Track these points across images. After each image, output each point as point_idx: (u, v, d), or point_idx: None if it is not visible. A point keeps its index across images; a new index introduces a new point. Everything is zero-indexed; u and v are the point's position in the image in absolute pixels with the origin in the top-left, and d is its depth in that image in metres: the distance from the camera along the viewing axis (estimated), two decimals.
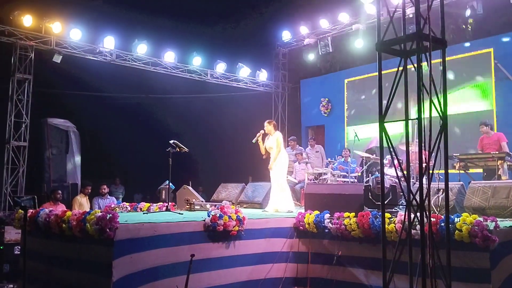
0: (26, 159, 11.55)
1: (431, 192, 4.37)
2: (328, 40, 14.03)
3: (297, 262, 6.82)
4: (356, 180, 10.36)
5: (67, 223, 5.71)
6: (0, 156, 11.53)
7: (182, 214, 6.92)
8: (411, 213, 4.33)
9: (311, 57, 14.93)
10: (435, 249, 4.16)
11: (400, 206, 6.93)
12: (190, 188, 8.59)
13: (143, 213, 7.45)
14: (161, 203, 8.31)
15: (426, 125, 4.16)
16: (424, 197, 4.19)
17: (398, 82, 4.37)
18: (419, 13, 4.27)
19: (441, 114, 4.37)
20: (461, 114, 11.97)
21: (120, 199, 11.72)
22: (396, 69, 4.40)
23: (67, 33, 12.04)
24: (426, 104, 4.23)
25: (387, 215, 5.80)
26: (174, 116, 16.01)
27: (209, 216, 6.09)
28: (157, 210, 7.65)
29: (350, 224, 6.21)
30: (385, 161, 8.17)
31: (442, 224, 5.17)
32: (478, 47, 11.90)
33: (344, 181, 10.17)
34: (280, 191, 7.96)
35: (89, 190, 9.96)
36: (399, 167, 4.61)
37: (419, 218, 4.20)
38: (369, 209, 6.78)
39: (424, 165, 4.30)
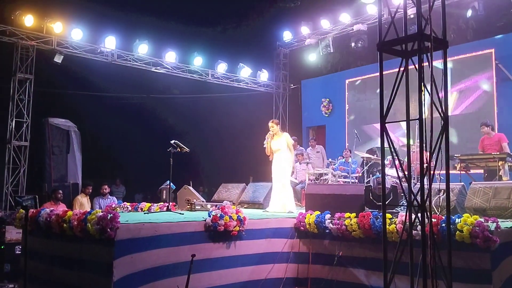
0: (27, 159, 11.56)
1: (432, 193, 4.36)
2: (329, 41, 14.03)
3: (298, 262, 6.82)
4: (357, 181, 10.35)
5: (68, 223, 5.71)
6: (1, 156, 11.54)
7: (183, 214, 6.92)
8: (412, 214, 4.33)
9: (312, 57, 14.93)
10: (436, 250, 4.15)
11: (401, 207, 6.93)
12: (191, 188, 8.59)
13: (144, 213, 7.45)
14: (162, 203, 8.31)
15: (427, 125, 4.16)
16: (425, 198, 4.18)
17: (399, 82, 4.36)
18: (420, 13, 4.27)
19: (442, 115, 4.36)
20: (462, 114, 11.97)
21: (121, 199, 11.72)
22: (397, 69, 4.40)
23: (68, 33, 12.06)
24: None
25: (388, 215, 5.79)
26: (175, 116, 16.01)
27: (210, 216, 6.10)
28: (158, 210, 7.64)
29: (351, 225, 6.21)
30: (386, 162, 8.16)
31: (443, 224, 5.18)
32: (479, 47, 11.89)
33: (345, 182, 10.16)
34: (283, 191, 7.94)
35: (90, 190, 9.96)
36: (400, 168, 4.61)
37: (420, 218, 4.20)
38: (370, 210, 6.78)
39: (425, 165, 4.29)
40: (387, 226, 5.59)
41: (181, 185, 8.83)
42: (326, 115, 15.25)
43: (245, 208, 8.46)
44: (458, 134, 11.81)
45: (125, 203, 8.63)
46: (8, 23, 11.33)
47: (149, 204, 8.24)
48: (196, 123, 16.11)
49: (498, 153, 8.32)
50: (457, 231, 5.23)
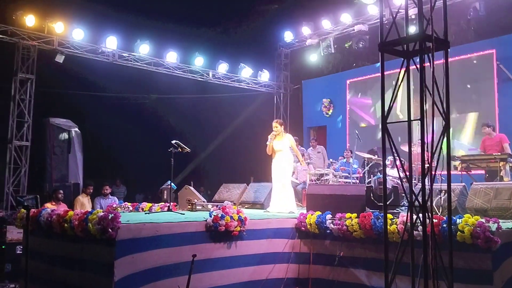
0: (28, 159, 11.57)
1: (433, 193, 4.36)
2: (330, 41, 14.02)
3: (299, 262, 6.82)
4: (358, 181, 10.35)
5: (69, 223, 5.71)
6: (3, 156, 11.56)
7: (183, 214, 6.92)
8: (413, 214, 4.33)
9: (313, 57, 14.92)
10: (437, 250, 4.15)
11: (402, 207, 6.93)
12: (191, 188, 8.59)
13: (145, 213, 7.45)
14: (163, 203, 8.31)
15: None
16: (426, 198, 4.18)
17: (400, 83, 4.36)
18: (422, 13, 4.27)
19: (443, 115, 4.36)
20: (463, 115, 11.96)
21: (122, 200, 11.72)
22: (398, 70, 4.39)
23: (69, 33, 12.07)
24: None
25: (389, 216, 5.79)
26: (176, 116, 16.03)
27: (211, 216, 6.09)
28: (159, 210, 7.64)
29: (352, 225, 6.21)
30: (387, 162, 8.15)
31: (444, 225, 5.17)
32: (481, 48, 11.88)
33: (346, 182, 10.15)
34: (284, 192, 7.93)
35: (91, 190, 9.96)
36: (401, 168, 4.61)
37: (421, 219, 4.20)
38: (371, 210, 6.77)
39: (426, 166, 4.29)
40: (388, 227, 5.59)
41: (182, 185, 8.84)
42: (327, 116, 15.25)
43: (246, 208, 8.45)
44: (459, 135, 11.80)
45: (126, 203, 8.63)
46: (10, 23, 11.34)
47: (150, 204, 8.24)
48: (197, 123, 16.12)
49: (499, 153, 8.32)
50: (458, 232, 5.22)
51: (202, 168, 16.78)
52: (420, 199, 4.20)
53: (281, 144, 8.01)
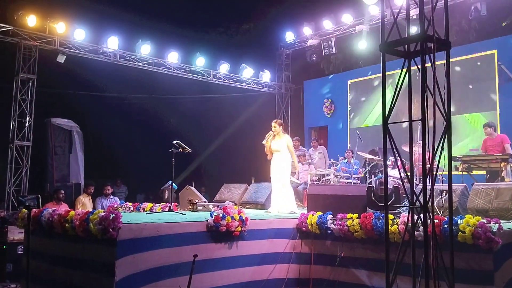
0: (30, 159, 11.58)
1: (434, 194, 4.36)
2: (331, 41, 14.02)
3: (300, 263, 6.82)
4: (359, 181, 10.34)
5: (70, 223, 5.72)
6: (4, 156, 11.57)
7: (184, 214, 6.92)
8: (414, 215, 4.33)
9: (314, 58, 14.91)
10: (438, 251, 4.15)
11: (403, 208, 6.92)
12: (193, 188, 8.59)
13: (146, 213, 7.45)
14: (164, 203, 8.32)
15: (430, 126, 4.16)
16: (427, 199, 4.18)
17: (402, 83, 4.36)
18: (423, 14, 4.27)
19: (445, 116, 4.36)
20: (465, 115, 11.95)
21: (123, 200, 11.73)
22: (399, 70, 4.39)
23: (71, 33, 12.07)
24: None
25: (390, 216, 5.79)
26: (177, 117, 16.03)
27: (212, 216, 6.10)
28: (160, 211, 7.65)
29: (353, 225, 6.21)
30: (388, 162, 8.16)
31: (445, 225, 5.17)
32: (482, 48, 11.87)
33: (347, 182, 10.16)
34: (284, 192, 7.94)
35: (92, 190, 9.97)
36: (402, 168, 4.61)
37: (422, 219, 4.19)
38: (372, 211, 6.77)
39: (427, 166, 4.29)
40: (389, 227, 5.58)
41: (183, 185, 8.84)
42: (328, 116, 15.25)
43: (247, 208, 8.46)
44: (460, 135, 11.79)
45: (127, 203, 8.64)
46: (11, 23, 11.35)
47: (151, 204, 8.24)
48: (198, 124, 16.12)
49: (500, 154, 8.31)
50: (459, 232, 5.22)
51: (203, 168, 16.77)
52: (421, 199, 4.19)
53: (279, 144, 8.02)
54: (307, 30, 14.51)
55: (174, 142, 7.84)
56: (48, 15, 11.83)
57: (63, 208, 7.69)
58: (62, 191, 9.37)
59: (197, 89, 15.10)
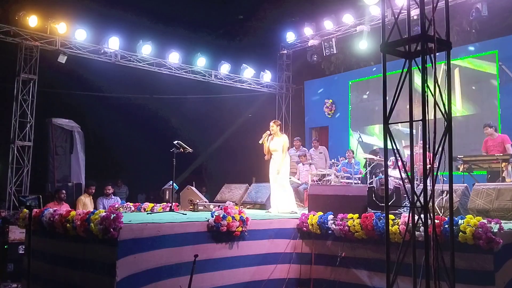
0: (31, 159, 11.59)
1: (435, 194, 4.36)
2: (332, 42, 14.02)
3: (301, 263, 6.82)
4: (359, 182, 10.34)
5: (72, 223, 5.73)
6: (5, 156, 11.59)
7: (185, 214, 6.93)
8: (415, 215, 4.33)
9: (315, 58, 14.91)
10: (439, 251, 4.15)
11: (404, 208, 6.92)
12: (193, 188, 8.60)
13: (147, 213, 7.47)
14: (165, 203, 8.33)
15: (431, 126, 4.16)
16: (428, 199, 4.18)
17: (402, 83, 4.36)
18: (424, 14, 4.27)
19: (445, 116, 4.36)
20: (466, 115, 11.95)
21: (124, 200, 11.75)
22: (400, 70, 4.39)
23: (72, 33, 12.08)
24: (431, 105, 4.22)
25: (391, 216, 5.79)
26: (178, 117, 16.04)
27: (212, 216, 6.10)
28: (161, 211, 7.66)
29: (354, 226, 6.21)
30: (388, 163, 8.16)
31: (446, 226, 5.17)
32: (483, 49, 11.87)
33: (348, 183, 10.15)
34: (282, 192, 7.94)
35: (93, 190, 9.97)
36: (403, 169, 4.61)
37: (423, 219, 4.19)
38: (372, 211, 6.77)
39: (428, 166, 4.29)
40: (390, 227, 5.59)
41: (184, 185, 8.85)
42: (329, 116, 15.24)
43: (247, 208, 8.47)
44: (461, 135, 11.78)
45: (128, 203, 8.65)
46: (12, 24, 11.36)
47: (152, 204, 8.26)
48: (199, 124, 16.13)
49: (501, 154, 8.31)
50: (460, 233, 5.22)
51: (204, 168, 16.79)
52: (422, 199, 4.20)
53: (277, 144, 8.04)
54: (308, 30, 14.51)
55: (175, 142, 7.85)
56: (49, 16, 11.84)
57: (64, 208, 7.70)
58: (64, 191, 9.38)
59: (198, 89, 15.11)
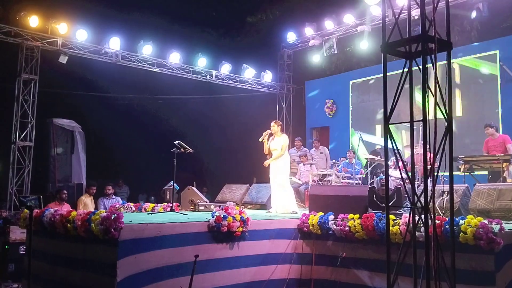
0: (32, 159, 11.60)
1: (435, 194, 4.36)
2: (333, 42, 14.02)
3: (301, 263, 6.82)
4: (360, 182, 10.33)
5: (72, 223, 5.73)
6: (6, 156, 11.60)
7: (186, 214, 6.94)
8: (416, 215, 4.32)
9: (316, 58, 14.91)
10: (440, 251, 4.15)
11: (405, 208, 6.92)
12: (194, 188, 8.61)
13: (148, 214, 7.47)
14: (166, 203, 8.33)
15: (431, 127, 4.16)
16: (428, 199, 4.18)
17: (403, 84, 4.36)
18: (425, 14, 4.27)
19: (446, 116, 4.36)
20: (467, 116, 11.93)
21: (125, 200, 11.76)
22: (401, 70, 4.39)
23: (73, 34, 12.10)
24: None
25: (392, 217, 5.78)
26: (179, 117, 16.05)
27: (213, 216, 6.10)
28: (162, 211, 7.66)
29: (354, 226, 6.20)
30: (389, 163, 8.16)
31: (447, 226, 5.16)
32: (484, 49, 11.86)
33: (349, 183, 10.15)
34: (282, 192, 7.94)
35: (94, 190, 9.98)
36: (403, 169, 4.60)
37: (423, 220, 4.19)
38: (373, 211, 6.77)
39: (429, 167, 4.29)
40: (391, 228, 5.58)
41: (185, 185, 8.86)
42: (330, 116, 15.24)
43: (248, 209, 8.47)
44: (462, 136, 11.77)
45: (129, 203, 8.66)
46: (13, 24, 11.38)
47: (153, 205, 8.26)
48: (199, 124, 16.14)
49: (502, 154, 8.30)
50: (461, 233, 5.22)
51: (205, 168, 16.80)
52: (422, 200, 4.19)
53: (277, 144, 8.05)
54: (308, 31, 14.50)
55: (176, 142, 7.86)
56: (50, 16, 11.85)
57: (65, 208, 7.70)
58: (65, 191, 9.39)
59: (198, 90, 15.12)
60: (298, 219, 6.96)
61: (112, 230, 5.11)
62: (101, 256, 5.41)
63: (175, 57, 13.67)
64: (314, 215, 6.74)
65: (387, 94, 4.49)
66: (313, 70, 15.76)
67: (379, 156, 10.34)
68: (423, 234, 4.33)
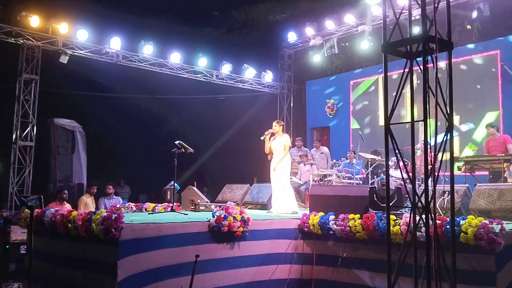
0: (33, 159, 11.61)
1: (436, 194, 4.36)
2: (334, 42, 14.01)
3: (302, 263, 6.82)
4: (361, 182, 10.32)
5: (73, 223, 5.74)
6: (7, 156, 11.61)
7: (187, 214, 6.94)
8: (417, 215, 4.32)
9: (316, 58, 14.91)
10: (441, 252, 4.15)
11: (406, 208, 6.92)
12: (195, 188, 8.61)
13: (148, 213, 7.48)
14: (166, 203, 8.34)
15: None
16: (429, 199, 4.17)
17: (404, 84, 4.36)
18: (425, 14, 4.27)
19: (447, 116, 4.35)
20: (467, 116, 11.92)
21: (126, 200, 11.77)
22: (402, 70, 4.39)
23: (73, 33, 12.10)
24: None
25: (392, 217, 5.78)
26: (180, 117, 16.06)
27: (214, 216, 6.10)
28: (162, 211, 7.66)
29: (355, 226, 6.20)
30: (390, 163, 8.16)
31: (448, 226, 5.15)
32: (485, 49, 11.85)
33: (349, 183, 10.14)
34: (282, 192, 7.94)
35: (95, 190, 9.99)
36: (404, 169, 4.60)
37: (424, 220, 4.19)
38: (374, 211, 6.76)
39: (429, 167, 4.28)
40: (391, 228, 5.58)
41: (185, 185, 8.86)
42: (331, 116, 15.23)
43: (249, 209, 8.47)
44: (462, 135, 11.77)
45: (129, 203, 8.67)
46: (14, 24, 11.38)
47: (153, 205, 8.27)
48: (200, 124, 16.15)
49: (503, 154, 8.29)
50: (462, 233, 5.21)
51: (206, 168, 16.81)
52: (423, 200, 4.19)
53: (278, 143, 8.05)
54: (309, 30, 14.50)
55: (177, 142, 7.86)
56: (51, 16, 11.86)
57: (66, 208, 7.71)
58: (66, 191, 9.40)
59: (199, 90, 15.13)
60: (299, 219, 6.95)
61: (113, 230, 5.11)
62: (102, 256, 5.41)
63: (175, 57, 13.67)
64: (315, 215, 6.73)
65: (387, 94, 4.49)
66: (313, 70, 15.76)
67: (379, 156, 10.34)
68: (424, 234, 4.33)
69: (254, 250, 6.45)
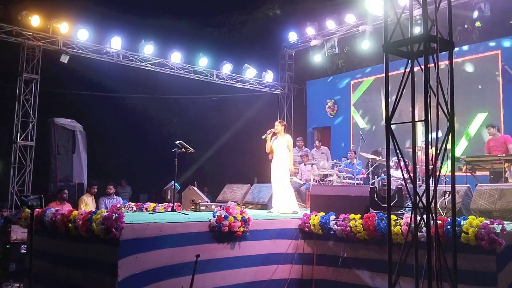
0: (33, 159, 11.61)
1: (437, 194, 4.35)
2: (334, 41, 14.01)
3: (302, 263, 6.81)
4: (362, 182, 10.32)
5: (73, 223, 5.73)
6: (7, 155, 11.61)
7: (187, 214, 6.93)
8: (417, 215, 4.31)
9: (317, 58, 14.89)
10: (441, 252, 4.14)
11: (406, 208, 6.91)
12: (195, 188, 8.61)
13: (149, 213, 7.47)
14: (167, 203, 8.33)
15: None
16: (430, 199, 4.17)
17: (405, 84, 4.35)
18: (427, 14, 4.26)
19: (448, 116, 4.34)
20: (468, 116, 11.91)
21: (127, 200, 11.77)
22: (403, 70, 4.38)
23: (74, 33, 12.10)
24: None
25: (393, 217, 5.77)
26: (180, 117, 16.06)
27: (214, 216, 6.10)
28: (163, 211, 7.66)
29: (356, 226, 6.19)
30: (391, 163, 8.15)
31: (449, 226, 5.15)
32: (485, 49, 11.84)
33: (350, 183, 10.14)
34: (283, 192, 7.94)
35: (95, 190, 9.99)
36: (405, 169, 4.59)
37: (425, 220, 4.18)
38: (375, 211, 6.76)
39: (430, 167, 4.28)
40: (392, 228, 5.58)
41: (186, 185, 8.86)
42: (331, 116, 15.22)
43: (249, 209, 8.46)
44: (463, 136, 11.76)
45: (130, 203, 8.67)
46: (15, 23, 11.38)
47: (154, 204, 8.26)
48: (200, 124, 16.15)
49: (504, 154, 8.28)
50: (463, 233, 5.20)
51: (206, 168, 16.80)
52: (424, 200, 4.18)
53: (280, 143, 8.06)
54: (310, 30, 14.49)
55: (177, 142, 7.85)
56: (51, 15, 11.86)
57: (66, 208, 7.71)
58: (66, 191, 9.40)
59: (200, 89, 15.13)
60: (299, 219, 6.95)
61: (113, 229, 5.11)
62: (102, 256, 5.41)
63: (176, 57, 13.67)
64: (315, 215, 6.73)
65: (389, 94, 4.49)
66: (314, 70, 15.74)
67: (380, 156, 10.34)
68: (425, 234, 4.32)
69: (255, 250, 6.45)
